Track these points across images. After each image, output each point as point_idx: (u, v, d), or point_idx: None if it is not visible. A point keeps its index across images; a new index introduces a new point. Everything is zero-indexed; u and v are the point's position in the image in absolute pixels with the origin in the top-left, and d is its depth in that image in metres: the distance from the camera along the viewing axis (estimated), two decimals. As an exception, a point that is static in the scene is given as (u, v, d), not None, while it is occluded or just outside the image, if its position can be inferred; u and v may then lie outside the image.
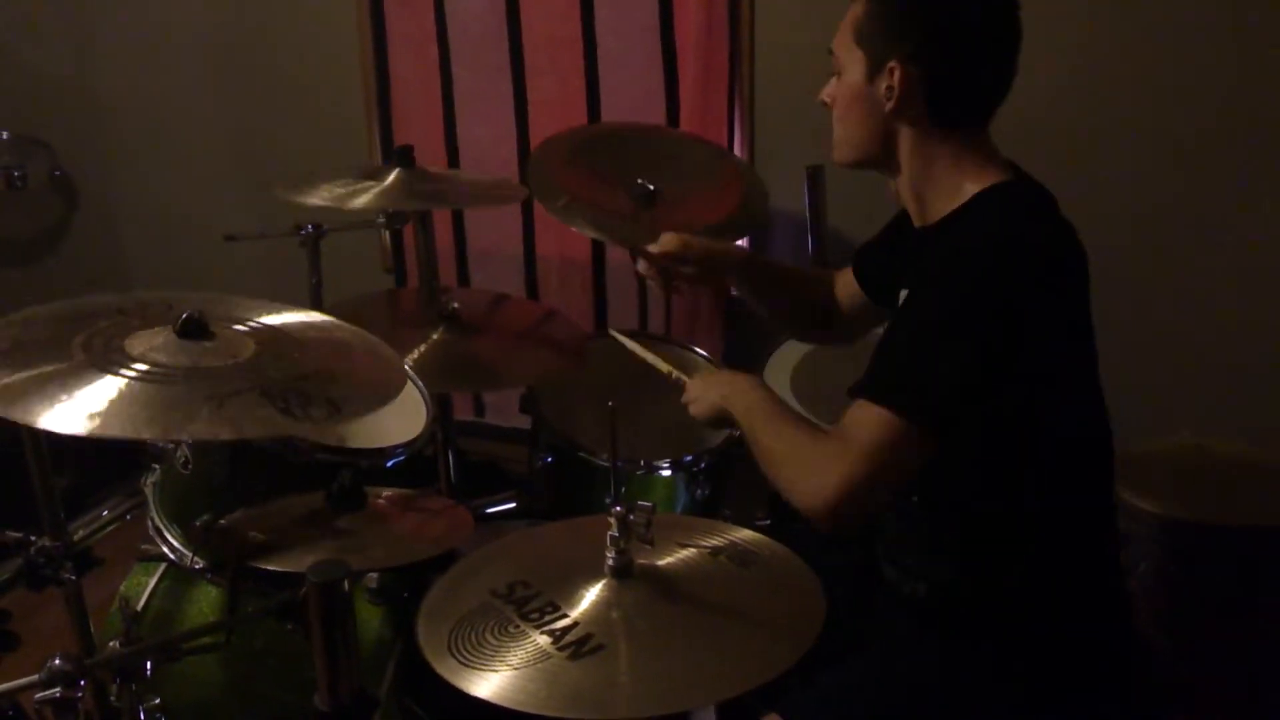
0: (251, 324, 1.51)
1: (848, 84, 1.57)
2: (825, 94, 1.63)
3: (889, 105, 1.52)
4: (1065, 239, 1.48)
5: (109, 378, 1.29)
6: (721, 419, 1.66)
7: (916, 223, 1.61)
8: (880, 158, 1.59)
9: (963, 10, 1.51)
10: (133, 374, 1.31)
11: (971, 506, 1.52)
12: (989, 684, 1.54)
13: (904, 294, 1.58)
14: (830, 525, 1.42)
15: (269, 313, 1.57)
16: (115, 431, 1.21)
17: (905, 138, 1.55)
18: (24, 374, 1.28)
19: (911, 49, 1.49)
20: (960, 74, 1.51)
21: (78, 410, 1.22)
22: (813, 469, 1.44)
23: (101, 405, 1.24)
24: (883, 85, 1.52)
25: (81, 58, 3.69)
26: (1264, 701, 2.17)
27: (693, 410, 1.72)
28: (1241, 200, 2.60)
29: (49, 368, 1.30)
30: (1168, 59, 2.56)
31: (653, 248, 1.98)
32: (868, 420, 1.41)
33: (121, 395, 1.26)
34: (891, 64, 1.50)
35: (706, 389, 1.71)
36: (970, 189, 1.52)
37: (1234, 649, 2.18)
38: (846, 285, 1.94)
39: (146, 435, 1.22)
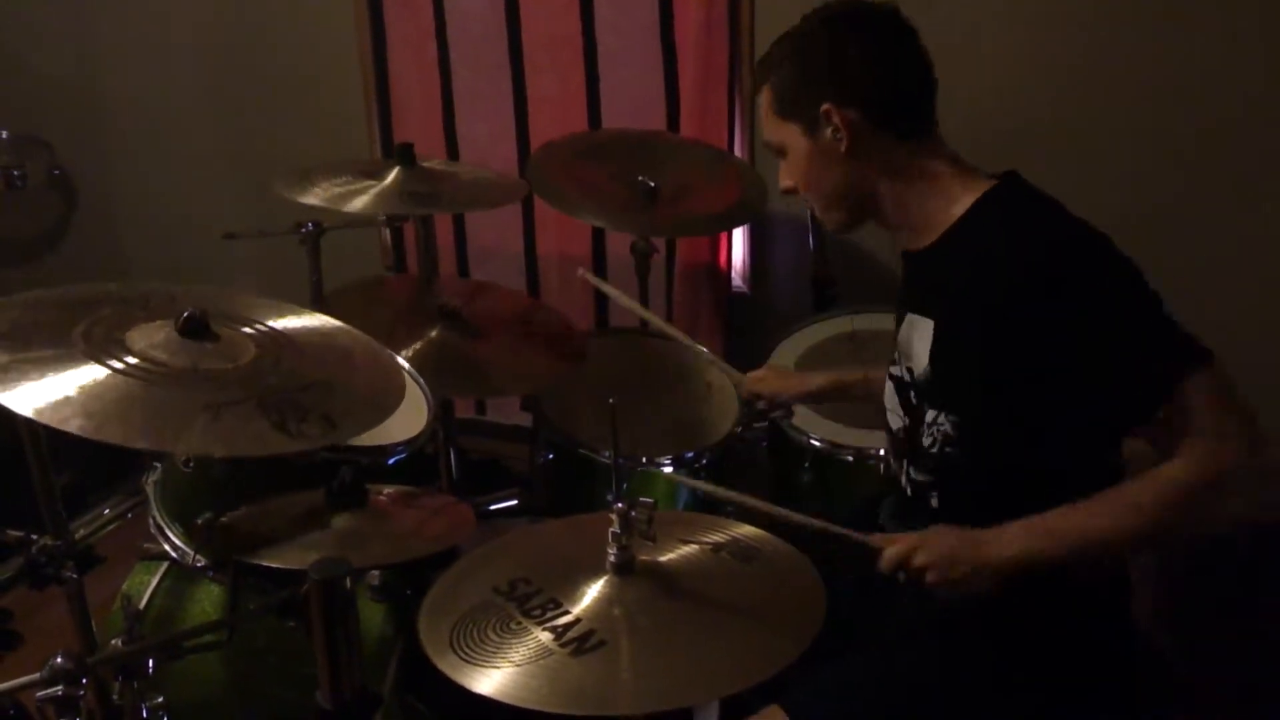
0: (253, 325, 1.51)
1: (798, 154, 1.61)
2: (784, 182, 1.67)
3: (844, 145, 1.55)
4: (1078, 220, 1.50)
5: (106, 374, 1.29)
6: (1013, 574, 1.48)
7: (914, 247, 1.61)
8: (865, 201, 1.61)
9: (855, 37, 1.56)
10: (131, 372, 1.31)
11: (988, 506, 1.51)
12: (991, 680, 1.54)
13: (914, 318, 1.59)
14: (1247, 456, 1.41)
15: (272, 312, 1.58)
16: (109, 437, 1.20)
17: (873, 167, 1.57)
18: (20, 358, 1.28)
19: (833, 91, 1.54)
20: (886, 86, 1.55)
21: (72, 408, 1.22)
22: (1211, 470, 1.39)
23: (97, 405, 1.23)
24: (827, 133, 1.55)
25: (81, 57, 3.69)
26: (1264, 700, 2.16)
27: (969, 588, 1.49)
28: (1240, 201, 2.60)
29: (47, 352, 1.30)
30: (1167, 59, 2.56)
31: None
32: (1193, 394, 1.39)
33: (118, 396, 1.26)
34: (824, 109, 1.54)
35: (972, 564, 1.48)
36: (966, 198, 1.53)
37: (1234, 647, 2.18)
38: None
39: (140, 444, 1.22)
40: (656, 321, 2.23)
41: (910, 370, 1.62)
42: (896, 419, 1.68)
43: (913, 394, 1.63)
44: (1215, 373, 1.40)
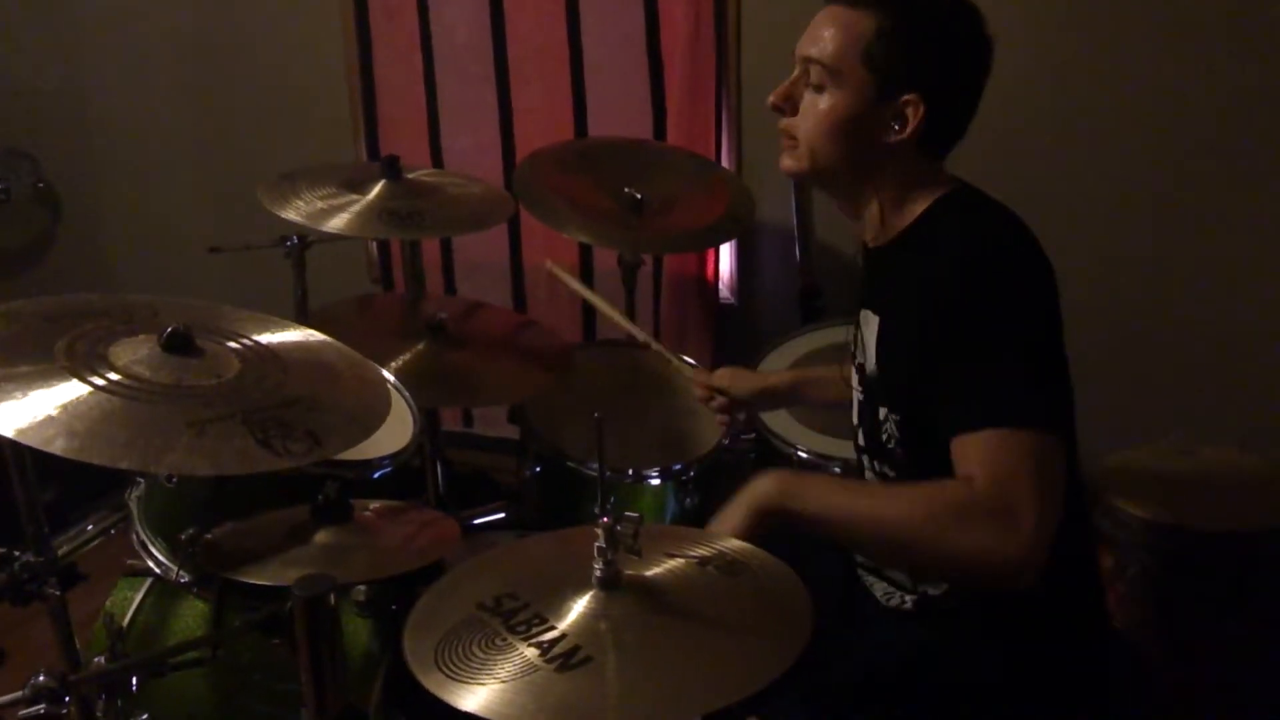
0: (238, 340, 1.50)
1: (845, 103, 1.49)
2: (781, 98, 1.56)
3: (895, 135, 1.49)
4: (1023, 233, 1.47)
5: (89, 391, 1.28)
6: (762, 524, 1.46)
7: (874, 244, 1.60)
8: (849, 179, 1.57)
9: (972, 47, 1.50)
10: (114, 389, 1.30)
11: None
12: (970, 690, 1.54)
13: (866, 314, 1.58)
14: (1033, 574, 1.30)
15: (256, 326, 1.57)
16: (93, 457, 1.20)
17: (889, 165, 1.53)
18: (1, 374, 1.27)
19: (932, 85, 1.47)
20: (961, 109, 1.52)
21: (56, 428, 1.21)
22: (983, 524, 1.30)
23: (80, 425, 1.23)
24: (890, 113, 1.49)
25: (65, 70, 3.68)
26: (1253, 706, 2.17)
27: (725, 529, 1.48)
28: (1231, 204, 2.61)
29: (29, 369, 1.29)
30: (1162, 63, 2.57)
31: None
32: (1015, 448, 1.33)
33: (101, 414, 1.25)
34: (908, 97, 1.47)
35: (728, 509, 1.50)
36: (922, 200, 1.53)
37: (1222, 654, 2.18)
38: None
39: (124, 464, 1.21)
40: (617, 317, 2.24)
41: (863, 365, 1.62)
42: (856, 411, 1.68)
43: (861, 390, 1.64)
44: (1041, 443, 1.33)
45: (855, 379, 1.68)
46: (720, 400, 2.15)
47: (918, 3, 1.49)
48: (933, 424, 1.44)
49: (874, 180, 1.55)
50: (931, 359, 1.42)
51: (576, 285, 2.09)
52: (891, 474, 1.59)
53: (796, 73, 1.55)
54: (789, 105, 1.56)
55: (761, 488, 1.46)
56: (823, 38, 1.50)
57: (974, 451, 1.35)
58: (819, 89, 1.52)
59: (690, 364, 2.24)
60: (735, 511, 1.47)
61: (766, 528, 1.44)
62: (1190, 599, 2.19)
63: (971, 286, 1.41)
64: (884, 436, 1.57)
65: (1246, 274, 2.63)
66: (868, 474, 1.66)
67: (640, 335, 2.24)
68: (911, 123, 1.48)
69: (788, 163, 1.58)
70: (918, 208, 1.53)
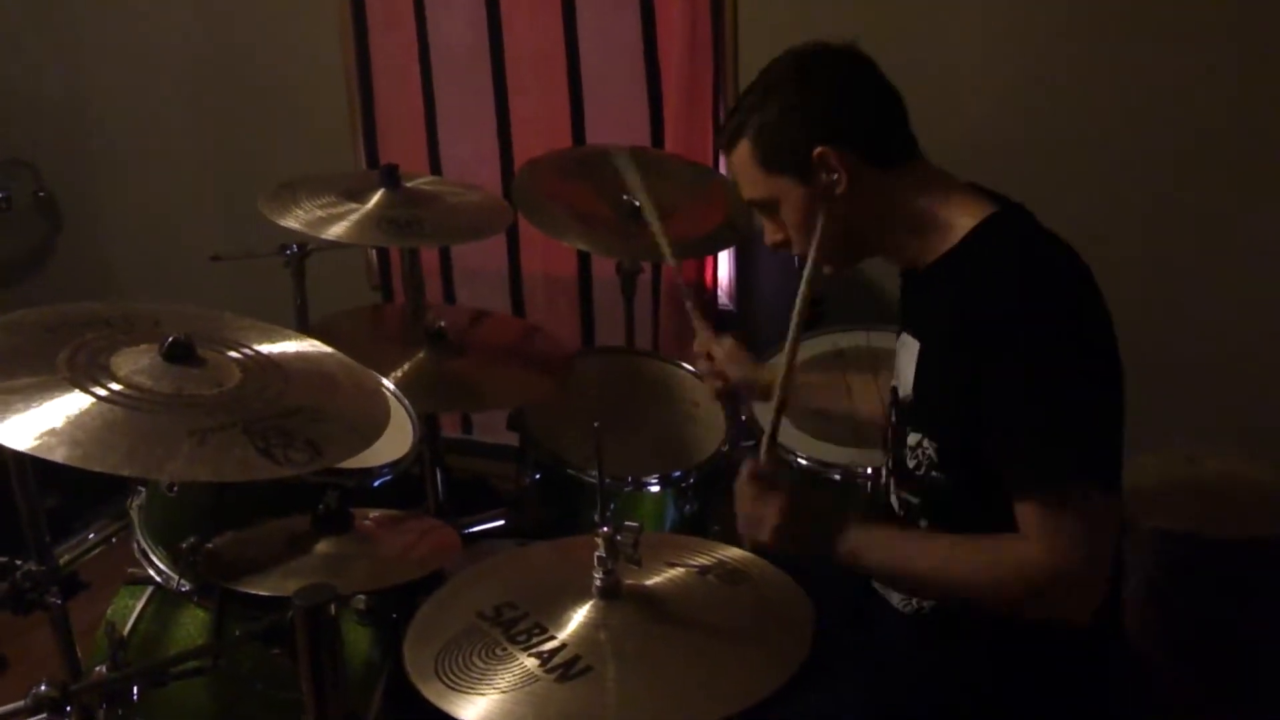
0: (238, 349, 1.51)
1: (792, 205, 1.57)
2: (774, 237, 1.65)
3: (841, 187, 1.52)
4: (1082, 272, 1.48)
5: (91, 401, 1.29)
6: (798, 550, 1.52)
7: (905, 267, 1.61)
8: (866, 238, 1.60)
9: (829, 76, 1.56)
10: (115, 399, 1.31)
11: (977, 530, 1.51)
12: (985, 699, 1.54)
13: (907, 338, 1.58)
14: (1088, 617, 1.39)
15: (257, 335, 1.58)
16: (95, 465, 1.21)
17: (872, 202, 1.55)
18: (4, 386, 1.28)
19: (823, 133, 1.52)
20: (869, 119, 1.55)
21: (58, 437, 1.22)
22: (1047, 593, 1.38)
23: (82, 434, 1.23)
24: (823, 179, 1.53)
25: (65, 79, 3.69)
26: (1258, 713, 2.17)
27: (770, 542, 1.53)
28: (1233, 208, 2.60)
29: (30, 379, 1.30)
30: (1160, 64, 2.56)
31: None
32: (1078, 515, 1.37)
33: (103, 423, 1.26)
34: (819, 153, 1.51)
35: (792, 530, 1.52)
36: (962, 223, 1.51)
37: (1225, 661, 2.18)
38: None
39: (125, 471, 1.22)
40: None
41: (897, 390, 1.62)
42: (891, 437, 1.68)
43: (894, 413, 1.63)
44: (1103, 501, 1.38)
45: (890, 400, 1.67)
46: (713, 367, 2.09)
47: (760, 96, 1.57)
48: (975, 451, 1.47)
49: (880, 224, 1.57)
50: (983, 394, 1.43)
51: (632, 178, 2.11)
52: (914, 500, 1.59)
53: (760, 218, 1.66)
54: (781, 237, 1.64)
55: (830, 545, 1.51)
56: (739, 182, 1.63)
57: (1037, 515, 1.39)
58: (775, 214, 1.62)
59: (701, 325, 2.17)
60: (796, 545, 1.52)
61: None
62: (1195, 606, 2.19)
63: (1034, 331, 1.40)
64: (913, 463, 1.57)
65: (1249, 279, 2.63)
66: (892, 498, 1.66)
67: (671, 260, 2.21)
68: (841, 167, 1.52)
69: (828, 272, 1.63)
70: (954, 233, 1.52)
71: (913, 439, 1.57)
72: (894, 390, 1.64)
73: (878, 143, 1.55)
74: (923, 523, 1.59)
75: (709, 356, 2.07)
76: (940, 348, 1.52)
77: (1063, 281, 1.45)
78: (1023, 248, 1.48)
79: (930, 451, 1.54)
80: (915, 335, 1.57)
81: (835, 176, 1.52)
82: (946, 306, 1.49)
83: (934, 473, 1.54)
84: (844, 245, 1.60)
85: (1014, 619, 1.45)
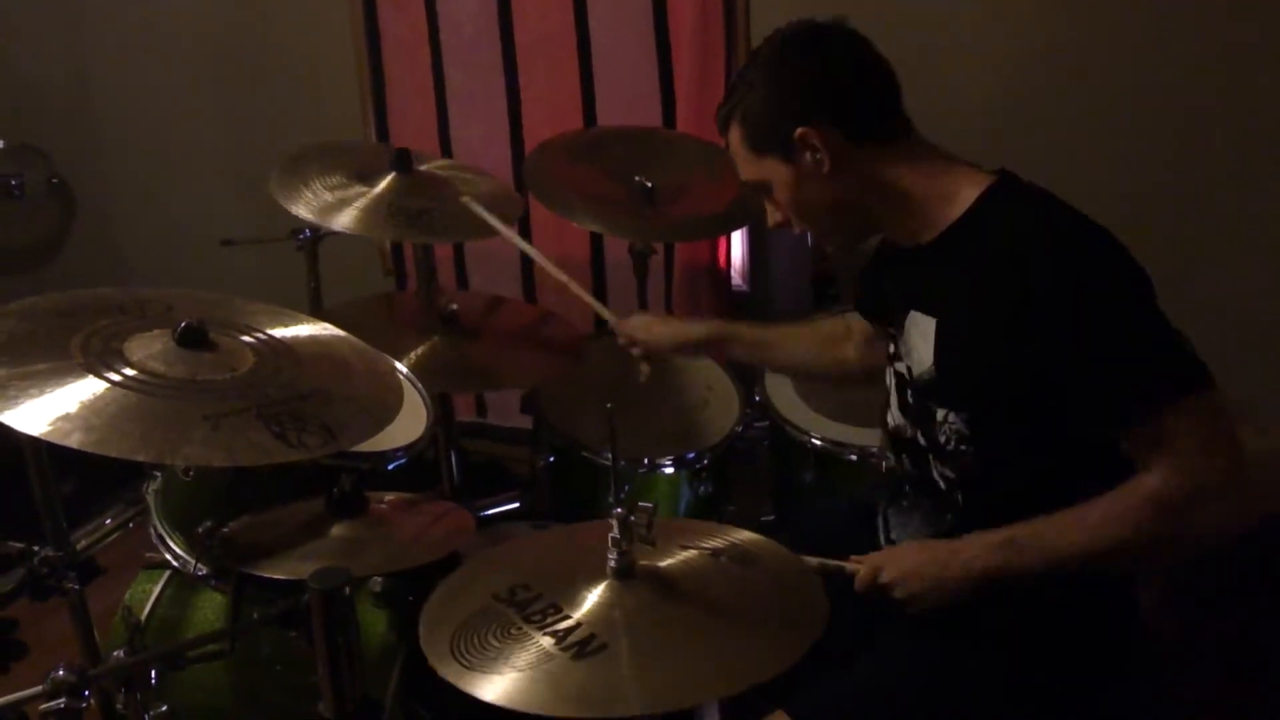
0: (251, 333, 1.51)
1: (782, 185, 1.59)
2: (774, 218, 1.66)
3: (826, 166, 1.53)
4: (1084, 216, 1.49)
5: (105, 387, 1.30)
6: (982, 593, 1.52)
7: (911, 242, 1.59)
8: (861, 215, 1.59)
9: (813, 56, 1.55)
10: (129, 384, 1.31)
11: (1012, 502, 1.51)
12: (998, 686, 1.54)
13: (916, 315, 1.57)
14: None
15: (270, 319, 1.58)
16: (110, 450, 1.22)
17: (859, 180, 1.55)
18: (19, 373, 1.28)
19: (804, 113, 1.52)
20: (852, 96, 1.54)
21: (73, 423, 1.22)
22: (1196, 503, 1.42)
23: (97, 419, 1.24)
24: (807, 157, 1.53)
25: (77, 65, 3.69)
26: (1266, 692, 2.16)
27: (923, 607, 1.55)
28: (1240, 180, 2.59)
29: (45, 366, 1.31)
30: (1155, 39, 2.55)
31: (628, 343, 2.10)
32: (1191, 421, 1.40)
33: (118, 409, 1.26)
34: (800, 133, 1.52)
35: (938, 579, 1.54)
36: (967, 192, 1.52)
37: (1237, 638, 2.17)
38: (860, 327, 1.93)
39: (141, 457, 1.22)
40: (531, 252, 2.23)
41: (910, 369, 1.61)
42: (893, 416, 1.68)
43: (910, 393, 1.62)
44: (1207, 400, 1.41)
45: (894, 383, 1.67)
46: (637, 349, 2.11)
47: (746, 79, 1.59)
48: (1010, 420, 1.48)
49: (873, 201, 1.57)
50: (1022, 360, 1.44)
51: (494, 221, 2.09)
52: (953, 475, 1.59)
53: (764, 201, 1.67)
54: (781, 217, 1.65)
55: (980, 564, 1.51)
56: (736, 165, 1.65)
57: (1151, 446, 1.42)
58: (770, 195, 1.63)
59: (604, 310, 2.18)
60: (951, 584, 1.52)
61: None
62: (1204, 583, 2.19)
63: (1076, 281, 1.42)
64: (943, 438, 1.57)
65: (1259, 253, 2.61)
66: (932, 473, 1.63)
67: (558, 275, 2.21)
68: (823, 146, 1.52)
69: (830, 250, 1.65)
70: (954, 207, 1.52)
71: (940, 414, 1.56)
72: (906, 371, 1.63)
73: (862, 121, 1.54)
74: (959, 497, 1.59)
75: (636, 341, 2.10)
76: (963, 320, 1.52)
77: (1076, 232, 1.46)
78: (1030, 212, 1.49)
79: (959, 425, 1.54)
80: (928, 312, 1.56)
81: (819, 156, 1.52)
82: (964, 278, 1.49)
83: (963, 446, 1.55)
84: (837, 224, 1.62)
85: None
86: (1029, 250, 1.44)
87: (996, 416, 1.51)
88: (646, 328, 2.09)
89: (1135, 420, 1.42)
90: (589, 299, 2.19)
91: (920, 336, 1.57)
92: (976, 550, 1.51)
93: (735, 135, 1.61)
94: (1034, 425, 1.49)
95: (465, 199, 2.16)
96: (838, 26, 1.56)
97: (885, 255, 1.72)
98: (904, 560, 1.56)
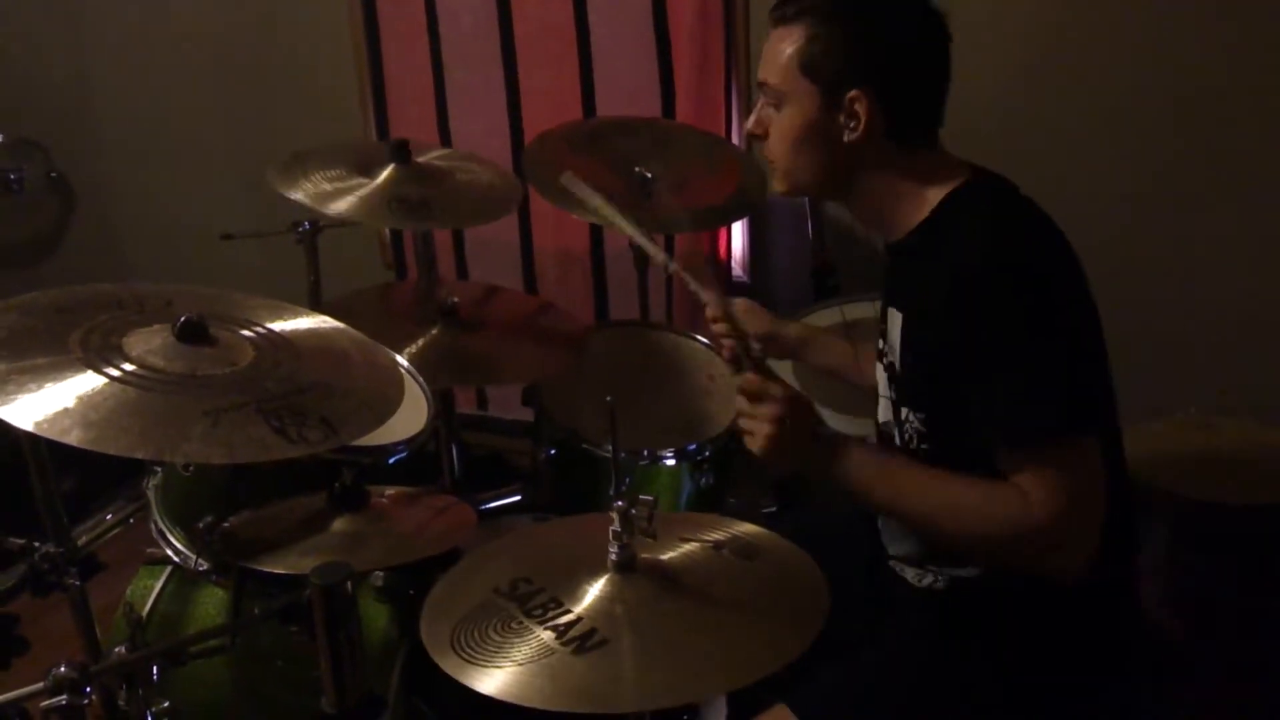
0: (251, 328, 1.50)
1: (798, 116, 1.51)
2: (756, 125, 1.58)
3: (851, 135, 1.48)
4: (1049, 227, 1.46)
5: (104, 382, 1.29)
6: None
7: (890, 238, 1.57)
8: (833, 186, 1.56)
9: (913, 31, 1.49)
10: (128, 380, 1.31)
11: None
12: (999, 680, 1.53)
13: (891, 311, 1.56)
14: (1079, 568, 1.40)
15: (269, 313, 1.57)
16: (109, 447, 1.21)
17: (863, 163, 1.51)
18: (17, 367, 1.28)
19: (875, 77, 1.46)
20: (919, 95, 1.51)
21: (71, 419, 1.22)
22: (1034, 542, 1.39)
23: (95, 415, 1.23)
24: (840, 117, 1.48)
25: (75, 59, 3.68)
26: (1267, 692, 2.16)
27: (760, 454, 1.53)
28: (1243, 170, 2.58)
29: (43, 360, 1.31)
30: (1153, 30, 2.54)
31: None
32: (1057, 463, 1.38)
33: (117, 404, 1.26)
34: (852, 94, 1.46)
35: (783, 443, 1.51)
36: (932, 196, 1.50)
37: (1243, 629, 2.17)
38: None
39: (140, 454, 1.22)
40: (638, 237, 2.16)
41: (893, 364, 1.60)
42: (882, 409, 1.67)
43: (892, 388, 1.62)
44: (1085, 447, 1.39)
45: (884, 378, 1.66)
46: (729, 330, 2.07)
47: (845, 2, 1.49)
48: (960, 423, 1.45)
49: (860, 182, 1.54)
50: (959, 361, 1.42)
51: (595, 198, 2.04)
52: None
53: (760, 98, 1.57)
54: (762, 130, 1.58)
55: (827, 465, 1.50)
56: (767, 59, 1.53)
57: (1022, 469, 1.40)
58: (777, 109, 1.54)
59: (701, 292, 2.12)
60: (787, 459, 1.52)
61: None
62: (1209, 574, 2.18)
63: (997, 289, 1.39)
64: (904, 437, 1.56)
65: (1262, 243, 2.61)
66: None
67: (660, 258, 2.16)
68: (864, 119, 1.47)
69: (773, 185, 1.61)
70: (928, 201, 1.50)
71: (903, 413, 1.56)
72: (890, 367, 1.62)
73: (908, 117, 1.50)
74: None
75: (724, 319, 2.04)
76: (920, 319, 1.51)
77: (1024, 237, 1.44)
78: (981, 211, 1.47)
79: (916, 424, 1.53)
80: (898, 308, 1.55)
81: (854, 124, 1.48)
82: (922, 277, 1.48)
83: (922, 445, 1.54)
84: (811, 177, 1.56)
85: (1013, 575, 1.45)
86: (964, 258, 1.42)
87: (946, 419, 1.50)
88: (745, 311, 2.00)
89: (1014, 444, 1.40)
90: (694, 284, 2.10)
91: (894, 332, 1.57)
92: (849, 462, 1.49)
93: (790, 39, 1.49)
94: (971, 429, 1.45)
95: (565, 177, 2.10)
96: (940, 13, 1.49)
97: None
98: (791, 414, 1.50)
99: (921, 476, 1.48)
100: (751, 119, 1.59)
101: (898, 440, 1.58)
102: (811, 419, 1.53)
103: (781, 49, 1.51)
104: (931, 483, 1.47)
